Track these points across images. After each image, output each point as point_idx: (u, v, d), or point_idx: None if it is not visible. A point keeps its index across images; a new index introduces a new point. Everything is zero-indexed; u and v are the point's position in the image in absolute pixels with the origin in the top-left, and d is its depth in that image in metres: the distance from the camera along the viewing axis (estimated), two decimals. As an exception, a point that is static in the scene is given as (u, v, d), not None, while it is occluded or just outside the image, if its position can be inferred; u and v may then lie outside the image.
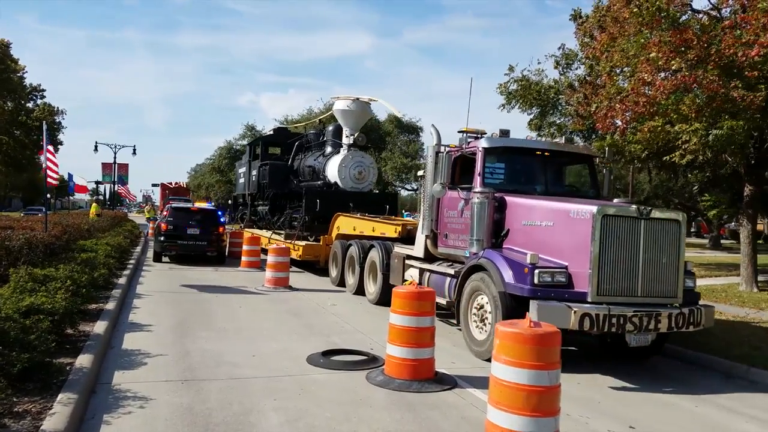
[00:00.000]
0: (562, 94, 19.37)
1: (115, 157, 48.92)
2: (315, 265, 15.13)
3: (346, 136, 16.79)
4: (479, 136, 8.59)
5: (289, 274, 12.39)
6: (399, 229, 11.07)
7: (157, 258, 16.49)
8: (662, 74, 11.67)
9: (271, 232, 18.21)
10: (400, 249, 10.11)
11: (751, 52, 9.76)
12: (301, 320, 8.97)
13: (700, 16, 12.47)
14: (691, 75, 10.88)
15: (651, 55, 11.14)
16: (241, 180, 23.89)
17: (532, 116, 20.86)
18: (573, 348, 8.00)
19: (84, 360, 5.55)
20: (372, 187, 17.41)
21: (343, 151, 16.64)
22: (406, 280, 9.12)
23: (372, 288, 11.10)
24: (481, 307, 7.20)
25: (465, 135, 8.70)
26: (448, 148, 8.56)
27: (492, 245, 7.47)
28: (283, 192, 18.86)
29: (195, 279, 12.99)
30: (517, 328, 4.03)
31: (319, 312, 9.78)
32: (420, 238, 9.24)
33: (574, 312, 6.10)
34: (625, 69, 13.37)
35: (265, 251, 14.18)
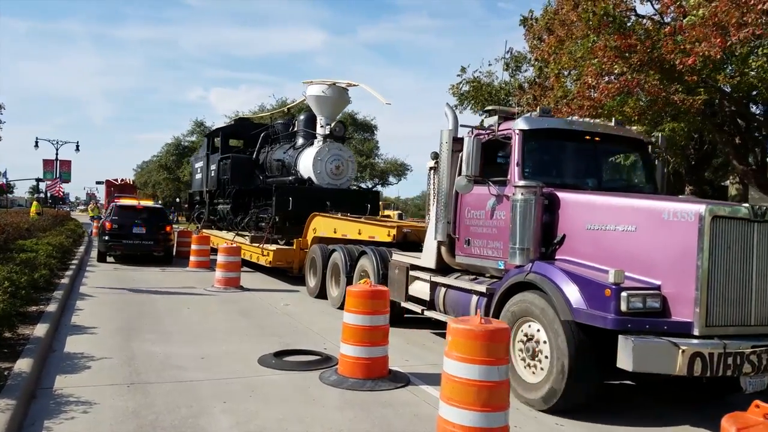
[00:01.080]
0: (512, 96, 19.76)
1: (57, 154, 47.16)
2: (287, 273, 13.48)
3: (321, 126, 14.85)
4: (513, 116, 6.83)
5: (240, 274, 12.18)
6: (393, 232, 9.48)
7: (102, 258, 15.95)
8: (606, 78, 12.04)
9: (233, 233, 16.27)
10: (401, 257, 8.55)
11: (688, 60, 10.17)
12: (253, 321, 8.83)
13: (644, 21, 12.92)
14: (634, 79, 11.27)
15: (594, 61, 11.47)
16: (198, 176, 21.48)
17: (484, 117, 21.20)
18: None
19: (23, 364, 5.31)
20: (350, 184, 15.64)
21: (318, 143, 14.78)
22: (411, 296, 7.92)
23: None
24: (531, 338, 5.50)
25: (486, 116, 7.18)
26: (476, 131, 6.70)
27: (541, 255, 5.84)
28: (247, 189, 16.81)
29: (141, 280, 12.62)
30: (469, 325, 4.08)
31: (272, 312, 9.66)
32: (431, 244, 7.55)
33: (682, 351, 4.54)
34: (573, 72, 13.74)
35: (215, 251, 13.80)
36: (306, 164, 14.70)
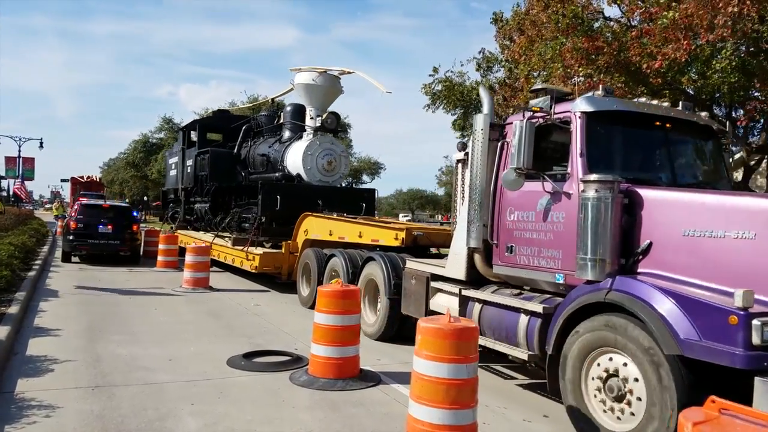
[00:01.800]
0: (483, 96, 19.92)
1: (19, 151, 45.91)
2: (275, 279, 12.42)
3: (311, 118, 13.56)
4: (566, 96, 5.93)
5: (208, 274, 12.03)
6: (402, 235, 8.37)
7: (66, 258, 15.57)
8: (574, 79, 12.24)
9: (213, 235, 14.70)
10: (418, 265, 7.35)
11: (655, 64, 10.40)
12: (222, 322, 8.73)
13: (612, 24, 13.17)
14: (600, 81, 11.47)
15: (558, 65, 11.66)
16: (173, 172, 19.81)
17: (456, 117, 21.38)
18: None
19: (-19, 369, 5.15)
20: (343, 181, 14.35)
21: (308, 136, 13.50)
22: (433, 311, 6.69)
23: (371, 317, 8.19)
24: (613, 374, 4.43)
25: (533, 96, 6.25)
26: (528, 114, 5.37)
27: (619, 268, 4.72)
28: (228, 186, 15.37)
29: (107, 280, 12.37)
30: (438, 324, 4.10)
31: (241, 313, 9.56)
32: (460, 251, 6.42)
33: None
34: (542, 73, 13.92)
35: (183, 251, 13.55)
36: (294, 159, 13.45)
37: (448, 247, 8.33)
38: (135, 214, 17.13)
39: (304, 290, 10.45)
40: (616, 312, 4.45)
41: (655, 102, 5.79)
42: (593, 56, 11.28)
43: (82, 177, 54.08)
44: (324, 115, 13.31)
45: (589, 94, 5.65)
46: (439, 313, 6.33)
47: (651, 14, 11.41)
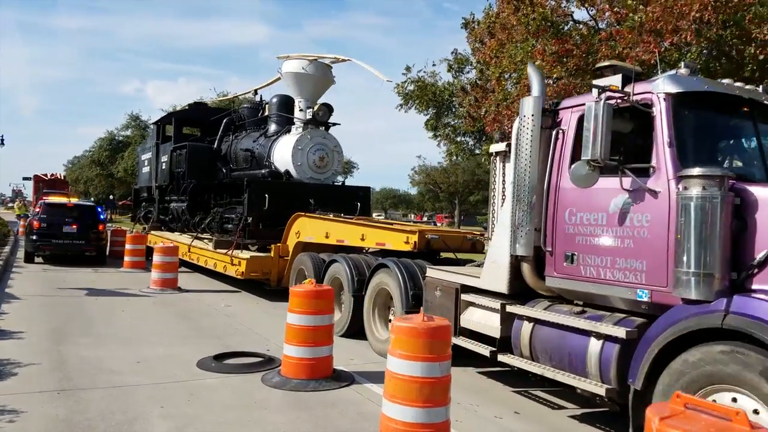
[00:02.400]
0: (455, 97, 20.08)
1: (-22, 149, 44.43)
2: (264, 286, 11.29)
3: (301, 110, 12.65)
4: (640, 75, 4.89)
5: (177, 275, 11.84)
6: (414, 238, 7.43)
7: (29, 259, 15.16)
8: (545, 81, 12.42)
9: (191, 236, 13.64)
10: (443, 274, 6.42)
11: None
12: (191, 323, 8.61)
13: (581, 26, 13.39)
14: (571, 83, 11.67)
15: (536, 62, 11.82)
16: (146, 169, 18.45)
17: (428, 117, 21.51)
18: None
19: (-60, 373, 4.98)
20: (336, 178, 13.18)
21: (297, 130, 12.52)
22: (466, 329, 5.96)
23: (383, 333, 7.21)
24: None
25: (595, 76, 5.37)
26: (605, 94, 4.43)
27: (731, 284, 3.89)
28: (208, 184, 14.20)
29: (72, 281, 12.08)
30: (412, 323, 4.12)
31: (211, 314, 9.45)
32: (500, 260, 5.44)
33: None
34: (513, 75, 14.09)
35: (151, 250, 13.21)
36: (283, 155, 12.40)
37: (465, 251, 8.01)
38: (100, 213, 16.76)
39: None
40: (739, 342, 3.59)
41: (740, 84, 4.93)
42: (563, 58, 11.46)
43: (45, 175, 52.76)
44: (315, 107, 12.33)
45: (672, 72, 4.78)
46: (478, 333, 5.84)
47: (620, 16, 11.63)
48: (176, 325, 8.42)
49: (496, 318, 5.50)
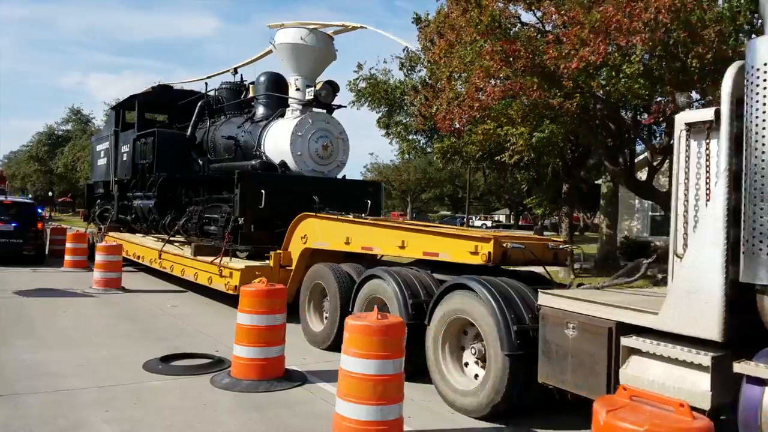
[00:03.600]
0: (406, 95, 20.22)
1: None
2: None
3: (297, 89, 10.45)
4: None
5: (121, 275, 11.46)
6: (487, 249, 5.54)
7: (-39, 259, 14.39)
8: (493, 81, 12.66)
9: (161, 240, 11.93)
10: (577, 304, 4.43)
11: (572, 65, 10.92)
12: (137, 324, 8.36)
13: (529, 28, 13.70)
14: (518, 83, 11.92)
15: (484, 62, 12.03)
16: (101, 161, 16.15)
17: (380, 114, 21.58)
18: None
19: None
20: (340, 171, 10.93)
21: (294, 113, 10.41)
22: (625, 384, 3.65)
23: (464, 382, 5.28)
24: None
25: None
26: None
27: None
28: (183, 177, 12.24)
29: (9, 281, 11.53)
30: (366, 321, 4.12)
31: (157, 314, 9.19)
32: (705, 287, 3.66)
33: None
34: (463, 74, 14.30)
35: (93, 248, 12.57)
36: (278, 143, 10.30)
37: (551, 264, 6.24)
38: (39, 210, 16.07)
39: (313, 323, 7.59)
40: None
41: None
42: (511, 59, 11.70)
43: (-22, 170, 50.20)
44: (317, 85, 10.39)
45: None
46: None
47: (566, 20, 11.94)
48: (121, 326, 8.16)
49: (702, 379, 3.62)
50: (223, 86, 13.21)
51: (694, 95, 13.27)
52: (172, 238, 11.54)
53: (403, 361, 4.22)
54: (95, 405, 4.88)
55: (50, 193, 46.58)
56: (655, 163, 16.33)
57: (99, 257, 11.25)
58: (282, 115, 10.73)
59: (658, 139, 16.26)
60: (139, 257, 12.51)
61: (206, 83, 13.73)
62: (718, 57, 10.24)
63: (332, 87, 10.59)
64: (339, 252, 7.96)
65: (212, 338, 7.58)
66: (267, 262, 8.96)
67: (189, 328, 8.20)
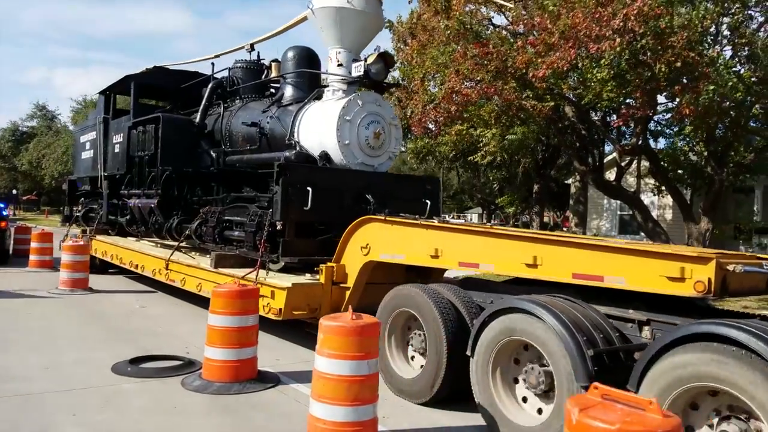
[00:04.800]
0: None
1: None
2: (305, 327, 7.34)
3: (340, 65, 8.55)
4: None
5: (88, 275, 11.22)
6: (707, 273, 3.82)
7: None
8: (468, 83, 12.76)
9: (167, 248, 10.08)
10: None
11: (539, 73, 11.06)
12: (105, 325, 8.20)
13: (501, 30, 13.84)
14: (492, 85, 12.03)
15: (461, 66, 12.11)
16: (86, 154, 14.09)
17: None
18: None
19: None
20: (389, 166, 8.98)
21: (336, 94, 8.52)
22: None
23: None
24: None
25: None
26: None
27: None
28: (192, 172, 10.28)
29: (-30, 283, 11.20)
30: (340, 321, 4.11)
31: (126, 315, 9.02)
32: None
33: None
34: (436, 76, 14.38)
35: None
36: (318, 130, 8.33)
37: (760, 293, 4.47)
38: (3, 209, 15.63)
39: (398, 366, 5.71)
40: None
41: None
42: (484, 62, 11.80)
43: (-62, 168, 48.66)
44: (369, 58, 8.28)
45: None
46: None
47: (534, 25, 12.10)
48: (88, 327, 7.99)
49: None
50: (238, 65, 11.02)
51: (663, 99, 13.61)
52: (182, 244, 9.68)
53: (378, 361, 4.22)
54: (62, 409, 4.77)
55: (14, 191, 45.39)
56: (623, 164, 16.66)
57: (65, 257, 10.99)
58: (319, 97, 8.90)
59: (626, 140, 16.58)
60: (136, 266, 10.58)
61: (212, 63, 11.98)
62: (686, 63, 10.48)
63: (386, 61, 8.48)
64: (397, 266, 6.66)
65: (182, 340, 7.47)
66: (316, 277, 7.07)
67: (159, 330, 8.06)
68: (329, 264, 6.92)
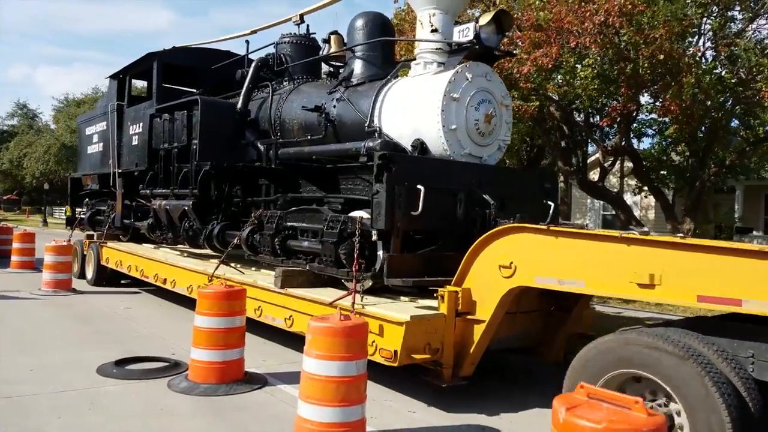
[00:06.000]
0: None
1: None
2: (422, 374, 5.45)
3: (434, 29, 6.72)
4: None
5: (71, 276, 11.11)
6: None
7: None
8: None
9: (201, 259, 8.92)
10: None
11: (524, 69, 11.12)
12: (90, 327, 8.12)
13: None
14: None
15: None
16: (94, 148, 12.52)
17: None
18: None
19: None
20: (499, 157, 7.11)
21: (429, 67, 6.76)
22: None
23: None
24: None
25: None
26: None
27: None
28: (241, 168, 8.46)
29: (-50, 284, 11.04)
30: (329, 322, 4.12)
31: (111, 317, 8.95)
32: None
33: None
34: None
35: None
36: (411, 113, 6.50)
37: None
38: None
39: None
40: None
41: None
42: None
43: None
44: (481, 18, 6.38)
45: None
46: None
47: (519, 22, 12.14)
48: (72, 329, 7.92)
49: None
50: (286, 40, 9.04)
51: (646, 99, 13.76)
52: (227, 257, 7.44)
53: (366, 362, 4.23)
54: (48, 411, 4.73)
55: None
56: (606, 164, 16.82)
57: (48, 258, 10.87)
58: (405, 73, 7.35)
59: (610, 140, 16.75)
60: (164, 281, 8.92)
61: (247, 41, 10.07)
62: (668, 58, 10.59)
63: (502, 22, 6.47)
64: (531, 290, 4.98)
65: (167, 341, 7.43)
66: (437, 305, 5.21)
67: (144, 331, 8.01)
68: (451, 288, 5.14)
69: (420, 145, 6.38)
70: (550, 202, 6.68)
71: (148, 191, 10.04)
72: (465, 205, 6.03)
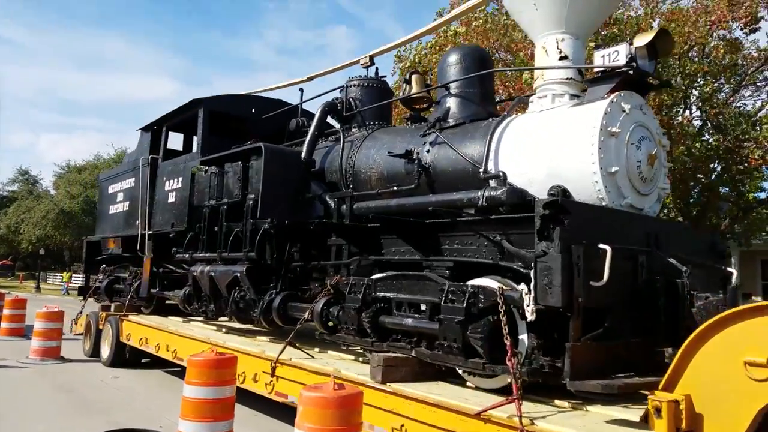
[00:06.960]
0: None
1: None
2: None
3: (563, 57, 5.55)
4: None
5: (60, 343, 10.87)
6: None
7: None
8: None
9: (246, 336, 7.82)
10: None
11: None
12: (76, 397, 7.88)
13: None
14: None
15: None
16: (118, 207, 11.21)
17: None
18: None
19: None
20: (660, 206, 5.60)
21: (559, 100, 5.54)
22: None
23: None
24: None
25: None
26: None
27: None
28: (299, 227, 6.89)
29: (-64, 352, 10.78)
30: (321, 392, 3.98)
31: (99, 386, 8.69)
32: None
33: None
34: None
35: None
36: (546, 152, 5.13)
37: None
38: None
39: None
40: None
41: None
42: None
43: None
44: (636, 40, 5.09)
45: None
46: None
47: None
48: (59, 399, 7.68)
49: None
50: (355, 83, 8.00)
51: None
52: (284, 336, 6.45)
53: (359, 434, 4.05)
54: (24, 490, 4.51)
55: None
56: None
57: (38, 324, 10.69)
58: (531, 109, 5.84)
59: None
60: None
61: (301, 90, 9.45)
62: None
63: (656, 45, 5.11)
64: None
65: (155, 412, 7.18)
66: (633, 421, 3.66)
67: (131, 402, 7.76)
68: (667, 395, 3.29)
69: (561, 193, 4.75)
70: (730, 269, 5.37)
71: (186, 255, 8.56)
72: (647, 271, 4.46)
